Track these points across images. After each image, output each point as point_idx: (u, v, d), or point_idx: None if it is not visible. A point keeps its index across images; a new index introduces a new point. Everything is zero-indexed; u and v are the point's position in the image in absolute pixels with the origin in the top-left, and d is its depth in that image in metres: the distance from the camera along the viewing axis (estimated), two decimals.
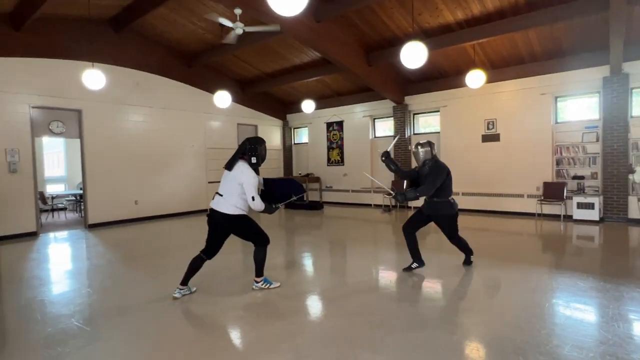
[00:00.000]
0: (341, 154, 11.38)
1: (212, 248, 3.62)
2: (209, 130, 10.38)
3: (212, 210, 3.54)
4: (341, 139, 11.36)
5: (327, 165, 11.73)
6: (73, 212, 10.59)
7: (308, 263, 5.14)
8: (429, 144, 4.14)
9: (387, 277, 4.34)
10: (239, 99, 10.90)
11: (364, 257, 5.26)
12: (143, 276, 4.45)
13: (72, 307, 3.44)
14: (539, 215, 8.00)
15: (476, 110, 8.82)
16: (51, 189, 11.51)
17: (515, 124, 8.29)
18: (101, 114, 8.14)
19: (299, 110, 11.20)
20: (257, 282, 3.81)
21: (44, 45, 7.18)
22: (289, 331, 2.90)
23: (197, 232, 7.40)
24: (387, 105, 10.13)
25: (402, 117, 9.82)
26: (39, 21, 6.55)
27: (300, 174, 12.16)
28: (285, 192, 3.89)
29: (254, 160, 3.54)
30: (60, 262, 5.43)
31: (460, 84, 8.61)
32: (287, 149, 12.73)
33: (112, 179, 8.30)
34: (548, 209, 7.97)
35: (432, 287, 3.99)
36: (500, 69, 8.30)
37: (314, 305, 3.55)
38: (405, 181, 4.62)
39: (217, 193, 3.58)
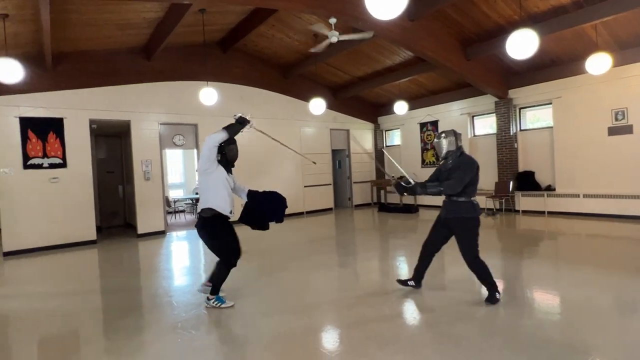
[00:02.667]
0: (437, 155, 10.88)
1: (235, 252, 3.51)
2: (304, 137, 10.87)
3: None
4: None
5: (422, 167, 11.34)
6: (190, 213, 12.04)
7: (404, 267, 5.02)
8: (454, 133, 3.53)
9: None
10: (331, 104, 11.18)
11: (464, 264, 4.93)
12: (254, 271, 4.84)
13: (199, 296, 3.92)
14: None
15: (600, 100, 7.65)
16: (173, 194, 13.26)
17: None
18: (213, 127, 9.09)
19: (391, 112, 11.06)
20: (208, 300, 3.57)
21: (168, 70, 8.34)
22: (396, 334, 2.88)
23: (295, 233, 7.81)
24: (488, 100, 9.40)
25: (506, 112, 9.00)
26: (164, 50, 7.63)
27: (393, 176, 11.96)
28: (265, 208, 3.69)
29: (218, 157, 3.43)
30: (185, 257, 6.24)
31: (577, 70, 7.58)
32: (379, 152, 12.65)
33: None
34: None
35: (548, 299, 3.57)
36: (632, 49, 7.08)
37: (419, 311, 3.44)
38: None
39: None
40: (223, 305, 3.50)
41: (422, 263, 3.82)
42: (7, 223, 6.87)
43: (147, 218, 8.27)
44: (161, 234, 8.39)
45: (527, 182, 8.87)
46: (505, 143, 9.06)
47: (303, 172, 10.82)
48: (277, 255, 5.97)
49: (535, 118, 9.33)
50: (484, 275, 3.41)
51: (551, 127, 8.53)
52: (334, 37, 5.60)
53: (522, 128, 9.17)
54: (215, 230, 3.40)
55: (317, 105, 8.26)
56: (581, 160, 7.96)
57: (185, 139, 8.91)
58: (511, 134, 8.98)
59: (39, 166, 7.08)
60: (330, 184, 11.49)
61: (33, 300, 4.23)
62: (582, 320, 3.01)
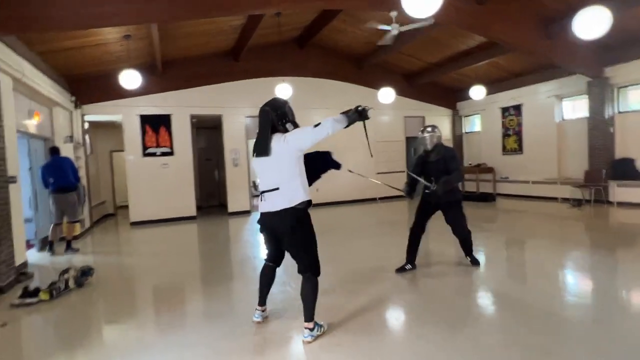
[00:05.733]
0: (519, 141, 10.26)
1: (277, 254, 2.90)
2: (377, 125, 11.15)
3: (265, 215, 2.70)
4: (519, 124, 10.22)
5: (503, 154, 10.77)
6: None
7: (481, 259, 4.62)
8: (437, 128, 4.07)
9: (583, 286, 3.72)
10: (405, 92, 11.24)
11: (549, 258, 4.53)
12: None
13: None
14: None
15: None
16: None
17: None
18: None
19: (469, 97, 10.67)
20: (310, 331, 2.64)
21: (253, 69, 9.36)
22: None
23: (367, 217, 8.30)
24: (579, 80, 8.54)
25: (601, 93, 8.10)
26: (249, 51, 8.62)
27: (470, 164, 11.59)
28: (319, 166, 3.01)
29: (290, 127, 2.65)
30: None
31: None
32: (457, 139, 12.29)
33: None
34: None
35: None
36: None
37: (494, 310, 3.35)
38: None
39: (263, 192, 2.67)
40: (324, 329, 2.72)
41: (414, 246, 4.12)
42: (132, 200, 8.66)
43: (235, 199, 9.55)
44: (247, 213, 9.61)
45: (625, 170, 7.93)
46: (599, 127, 8.18)
47: (376, 158, 11.12)
48: (342, 236, 6.54)
49: None
50: (469, 245, 4.13)
51: None
52: (395, 29, 5.84)
53: (620, 110, 8.17)
54: (309, 224, 2.67)
55: (386, 94, 8.52)
56: None
57: None
58: (606, 117, 8.08)
59: (154, 154, 8.73)
60: (404, 171, 11.61)
61: (150, 258, 5.54)
62: None
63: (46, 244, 5.97)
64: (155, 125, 8.70)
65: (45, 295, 3.63)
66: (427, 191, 3.93)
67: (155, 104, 8.70)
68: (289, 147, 2.53)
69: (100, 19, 4.78)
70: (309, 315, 2.64)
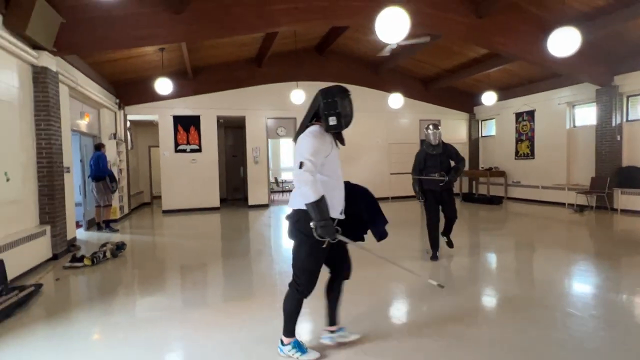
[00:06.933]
0: (531, 146, 10.41)
1: (332, 262, 2.48)
2: (391, 127, 11.67)
3: None
4: (532, 130, 10.38)
5: (515, 158, 10.94)
6: None
7: (492, 261, 4.94)
8: (439, 125, 4.67)
9: (579, 291, 3.73)
10: (422, 96, 11.67)
11: (552, 264, 4.60)
12: None
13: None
14: None
15: None
16: (285, 176, 15.59)
17: None
18: None
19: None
20: (283, 344, 2.43)
21: (274, 74, 10.19)
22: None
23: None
24: (589, 88, 8.65)
25: (609, 102, 8.20)
26: (271, 58, 9.46)
27: (482, 167, 11.83)
28: (364, 219, 2.56)
29: (332, 121, 2.25)
30: (275, 222, 8.02)
31: None
32: (473, 143, 12.53)
33: None
34: None
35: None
36: None
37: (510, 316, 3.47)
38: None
39: None
40: (304, 358, 2.37)
41: (437, 236, 4.63)
42: (165, 190, 9.79)
43: (255, 193, 10.47)
44: (265, 206, 10.50)
45: (631, 178, 8.01)
46: (606, 135, 8.28)
47: (390, 159, 11.68)
48: None
49: None
50: (452, 226, 4.78)
51: None
52: (394, 43, 6.43)
53: (629, 118, 8.22)
54: (304, 229, 2.26)
55: (395, 99, 9.05)
56: None
57: (286, 129, 10.78)
58: (614, 125, 8.17)
59: (184, 151, 9.80)
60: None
61: (179, 239, 6.55)
62: None
63: (93, 225, 7.25)
64: (186, 125, 9.77)
65: (88, 261, 4.63)
66: (441, 184, 4.48)
67: (186, 106, 9.77)
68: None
69: (143, 39, 5.80)
70: (284, 328, 2.41)
